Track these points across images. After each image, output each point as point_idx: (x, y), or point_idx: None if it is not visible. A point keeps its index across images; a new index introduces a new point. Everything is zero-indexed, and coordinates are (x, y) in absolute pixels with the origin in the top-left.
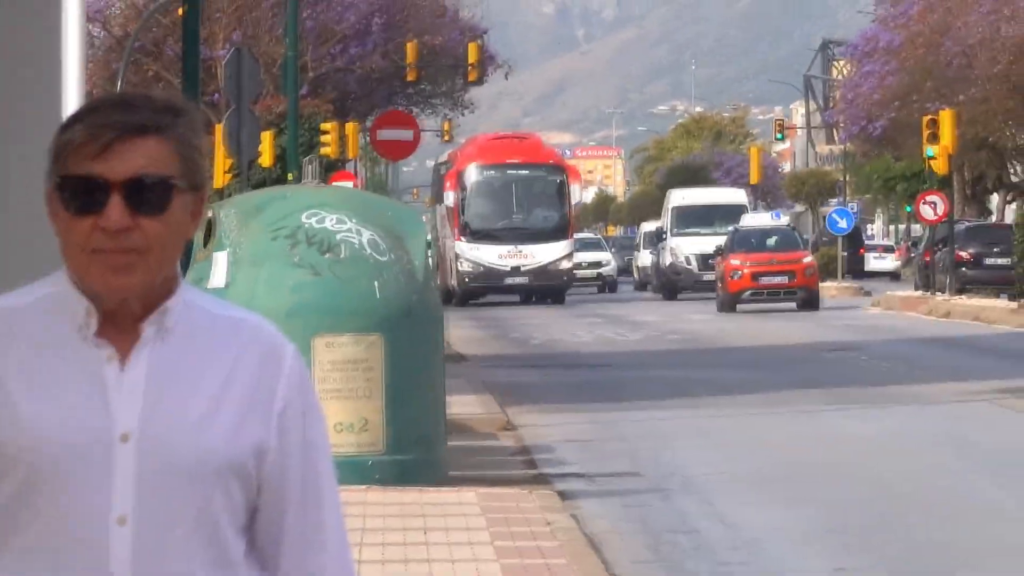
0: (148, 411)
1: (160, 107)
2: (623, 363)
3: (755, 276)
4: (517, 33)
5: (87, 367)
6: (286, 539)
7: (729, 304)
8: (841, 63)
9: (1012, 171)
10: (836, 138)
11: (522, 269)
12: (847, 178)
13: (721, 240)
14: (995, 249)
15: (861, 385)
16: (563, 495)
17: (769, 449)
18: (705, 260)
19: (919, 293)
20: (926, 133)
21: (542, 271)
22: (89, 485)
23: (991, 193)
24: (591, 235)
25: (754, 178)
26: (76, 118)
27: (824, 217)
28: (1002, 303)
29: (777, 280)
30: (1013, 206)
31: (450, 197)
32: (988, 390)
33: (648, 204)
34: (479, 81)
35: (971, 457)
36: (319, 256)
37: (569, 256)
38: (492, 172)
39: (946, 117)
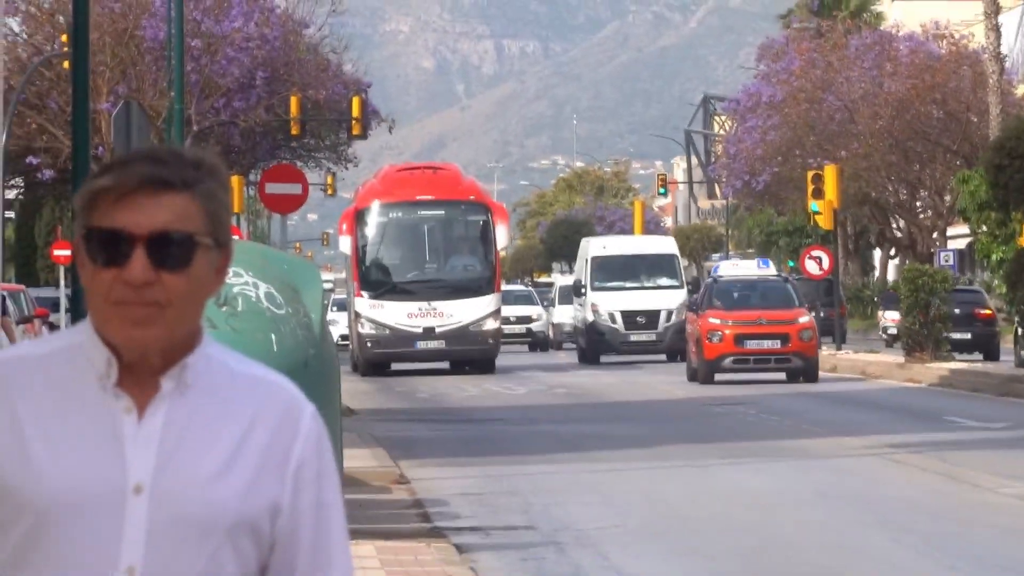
0: (162, 464)
1: (188, 162)
2: (512, 417)
3: (739, 339)
4: (397, 87)
5: (105, 417)
6: None
7: (706, 373)
8: (722, 118)
9: (895, 226)
10: (718, 192)
11: (437, 331)
12: (729, 232)
13: (649, 296)
14: None
15: (750, 439)
16: (460, 548)
17: (660, 502)
18: (632, 318)
19: None
20: (810, 188)
21: (462, 333)
22: (99, 535)
23: (874, 248)
24: (520, 287)
25: (637, 232)
26: (105, 170)
27: (708, 271)
28: (888, 358)
29: (767, 344)
30: (895, 261)
31: (347, 243)
32: (877, 444)
33: (532, 258)
34: (363, 135)
35: (862, 510)
36: (216, 309)
37: (496, 314)
38: (398, 211)
39: (831, 172)
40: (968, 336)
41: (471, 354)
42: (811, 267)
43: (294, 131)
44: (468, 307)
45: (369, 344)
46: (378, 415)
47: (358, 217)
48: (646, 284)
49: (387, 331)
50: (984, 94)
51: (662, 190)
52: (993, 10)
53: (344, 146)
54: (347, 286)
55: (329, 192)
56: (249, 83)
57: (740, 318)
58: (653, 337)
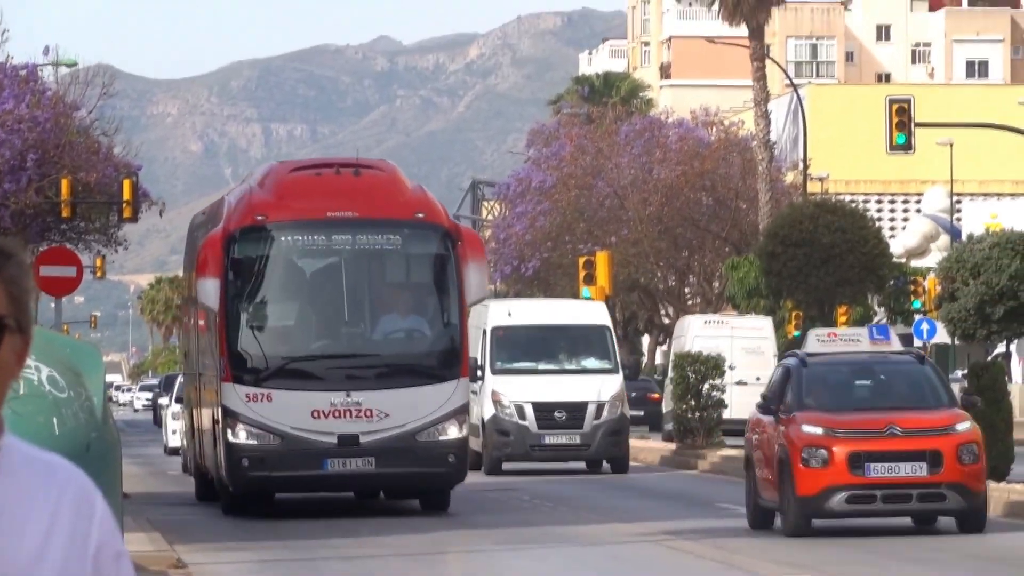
0: None
1: None
2: (285, 501)
3: (856, 461)
4: (165, 170)
5: None
6: None
7: (801, 517)
8: (491, 203)
9: (664, 312)
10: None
11: (363, 441)
12: None
13: (571, 383)
14: None
15: (528, 525)
16: None
17: None
18: (548, 413)
19: None
20: (582, 274)
21: (403, 444)
22: None
23: (642, 334)
24: None
25: None
26: None
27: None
28: (659, 444)
29: (905, 470)
30: (664, 347)
31: (211, 290)
32: (652, 532)
33: None
34: (133, 218)
35: None
36: None
37: (462, 413)
38: (298, 236)
39: (602, 258)
40: (642, 413)
41: (418, 480)
42: None
43: (65, 213)
44: (415, 401)
45: (246, 462)
46: (151, 499)
47: (229, 246)
48: (567, 366)
49: (277, 440)
50: (753, 181)
51: None
52: (763, 97)
53: (114, 228)
54: (192, 365)
55: (98, 275)
56: (20, 165)
57: (857, 426)
58: (576, 439)
